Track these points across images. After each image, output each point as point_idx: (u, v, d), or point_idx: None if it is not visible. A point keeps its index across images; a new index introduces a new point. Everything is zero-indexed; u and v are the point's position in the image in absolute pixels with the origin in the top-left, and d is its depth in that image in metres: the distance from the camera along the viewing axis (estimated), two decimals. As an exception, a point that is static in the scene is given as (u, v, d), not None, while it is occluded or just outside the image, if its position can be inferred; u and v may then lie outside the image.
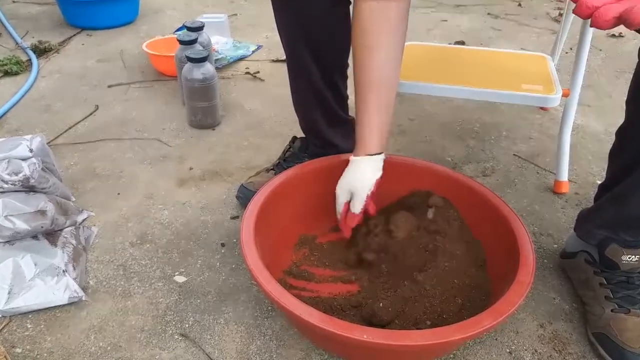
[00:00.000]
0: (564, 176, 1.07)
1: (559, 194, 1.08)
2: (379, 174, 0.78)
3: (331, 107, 0.95)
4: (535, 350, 0.75)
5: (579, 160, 1.19)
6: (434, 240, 0.79)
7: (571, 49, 1.75)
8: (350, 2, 0.84)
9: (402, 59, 0.77)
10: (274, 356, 0.73)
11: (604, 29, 0.46)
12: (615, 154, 0.78)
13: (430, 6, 2.29)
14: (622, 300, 0.75)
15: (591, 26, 0.47)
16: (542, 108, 1.41)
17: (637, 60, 0.71)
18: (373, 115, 0.76)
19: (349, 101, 1.01)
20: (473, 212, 0.84)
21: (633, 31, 0.49)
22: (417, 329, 0.68)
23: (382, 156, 0.79)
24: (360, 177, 0.78)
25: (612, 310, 0.74)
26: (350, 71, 0.96)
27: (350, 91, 1.01)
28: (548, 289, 0.85)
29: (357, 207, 0.78)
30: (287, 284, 0.79)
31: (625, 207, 0.74)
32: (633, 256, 0.75)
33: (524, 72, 1.09)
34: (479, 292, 0.75)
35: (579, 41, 0.98)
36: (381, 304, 0.71)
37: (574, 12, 0.48)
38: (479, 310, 0.63)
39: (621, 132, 0.77)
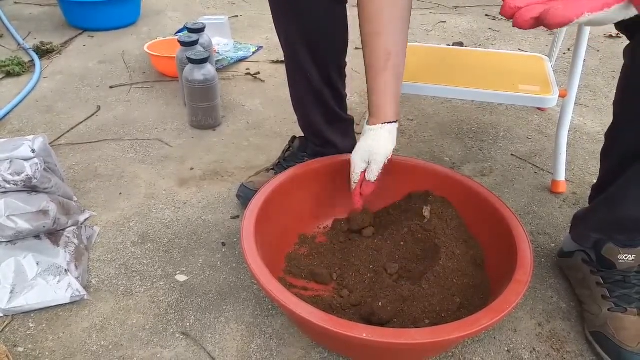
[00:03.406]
0: (561, 176, 1.08)
1: (556, 193, 1.08)
2: (394, 143, 0.79)
3: (330, 106, 0.96)
4: (534, 349, 0.75)
5: (576, 160, 1.20)
6: (434, 239, 0.80)
7: (569, 49, 1.76)
8: (347, 2, 0.85)
9: (407, 38, 0.79)
10: (275, 354, 0.73)
11: (525, 29, 0.48)
12: (605, 155, 0.79)
13: (429, 7, 2.30)
14: (619, 299, 0.75)
15: (513, 26, 0.48)
16: (539, 108, 1.42)
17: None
18: (388, 86, 0.77)
19: (348, 101, 1.02)
20: (471, 212, 0.84)
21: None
22: (416, 327, 0.69)
23: (397, 125, 0.80)
24: (378, 145, 0.78)
25: (609, 310, 0.75)
26: (348, 70, 0.97)
27: (350, 90, 1.02)
28: (546, 288, 0.86)
29: (374, 175, 0.79)
30: (288, 283, 0.79)
31: (617, 209, 0.75)
32: (629, 255, 0.75)
33: (522, 73, 1.10)
34: (477, 291, 0.75)
35: (576, 42, 0.99)
36: (380, 303, 0.71)
37: (500, 12, 0.50)
38: (477, 309, 0.63)
39: (609, 133, 0.77)
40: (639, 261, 0.76)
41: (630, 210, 0.73)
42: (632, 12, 0.45)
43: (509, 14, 0.48)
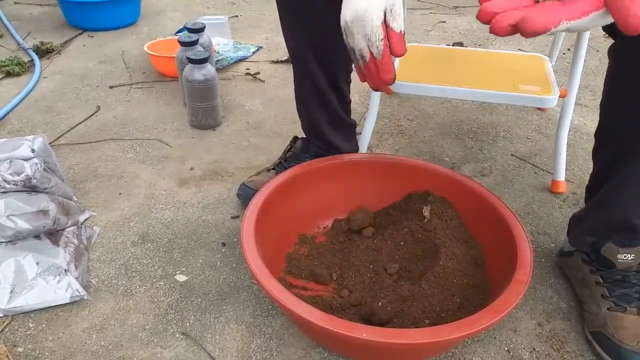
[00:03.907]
0: (561, 176, 1.08)
1: (556, 193, 1.08)
2: None
3: (335, 110, 0.95)
4: (534, 349, 0.75)
5: (576, 160, 1.20)
6: (434, 239, 0.80)
7: (569, 49, 1.76)
8: None
9: None
10: (274, 354, 0.73)
11: (501, 36, 0.46)
12: (596, 155, 0.80)
13: (429, 7, 2.30)
14: (619, 298, 0.75)
15: (490, 32, 0.47)
16: (539, 109, 1.42)
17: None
18: None
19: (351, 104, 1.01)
20: (471, 212, 0.84)
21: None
22: (416, 327, 0.69)
23: None
24: None
25: (608, 309, 0.75)
26: (354, 74, 0.97)
27: (353, 94, 1.02)
28: (546, 287, 0.86)
29: (401, 22, 0.58)
30: (287, 283, 0.80)
31: (611, 210, 0.75)
32: (629, 255, 0.75)
33: (522, 73, 1.09)
34: (477, 291, 0.75)
35: (576, 42, 0.99)
36: (380, 303, 0.71)
37: (476, 16, 0.48)
38: (477, 309, 0.63)
39: (598, 134, 0.78)
40: (639, 260, 0.76)
41: (624, 210, 0.74)
42: (609, 19, 0.44)
43: (485, 19, 0.47)
